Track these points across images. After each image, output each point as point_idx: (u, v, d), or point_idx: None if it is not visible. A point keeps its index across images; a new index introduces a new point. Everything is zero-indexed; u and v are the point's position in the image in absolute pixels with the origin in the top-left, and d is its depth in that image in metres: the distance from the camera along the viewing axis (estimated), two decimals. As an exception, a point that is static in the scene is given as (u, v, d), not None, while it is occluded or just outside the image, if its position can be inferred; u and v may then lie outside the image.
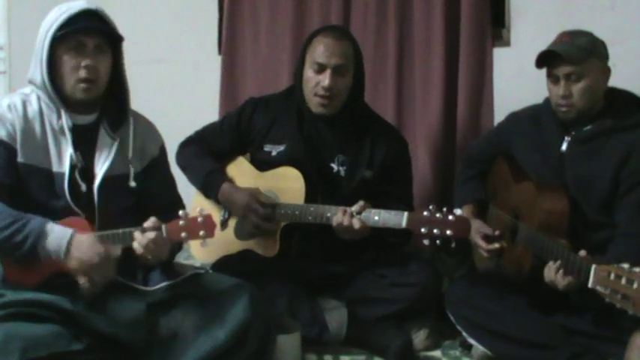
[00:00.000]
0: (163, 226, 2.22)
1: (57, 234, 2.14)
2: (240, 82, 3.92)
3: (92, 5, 2.27)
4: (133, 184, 2.38)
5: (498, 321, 2.55)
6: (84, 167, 2.29)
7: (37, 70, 2.26)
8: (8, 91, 4.27)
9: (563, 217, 2.49)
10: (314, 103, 2.87)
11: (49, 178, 2.25)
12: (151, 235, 2.19)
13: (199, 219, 2.24)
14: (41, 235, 2.12)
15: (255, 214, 2.81)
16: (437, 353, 2.78)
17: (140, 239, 2.19)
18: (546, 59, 2.52)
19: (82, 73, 2.24)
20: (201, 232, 2.24)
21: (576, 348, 2.45)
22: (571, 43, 2.49)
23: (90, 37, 2.25)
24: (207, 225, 2.25)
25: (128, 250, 2.23)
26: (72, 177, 2.26)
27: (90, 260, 2.14)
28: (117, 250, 2.20)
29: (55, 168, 2.26)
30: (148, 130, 2.48)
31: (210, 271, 2.76)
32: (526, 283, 2.57)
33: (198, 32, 4.10)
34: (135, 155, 2.40)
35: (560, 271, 2.31)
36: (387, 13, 3.60)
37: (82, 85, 2.25)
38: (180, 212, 2.25)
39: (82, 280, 2.17)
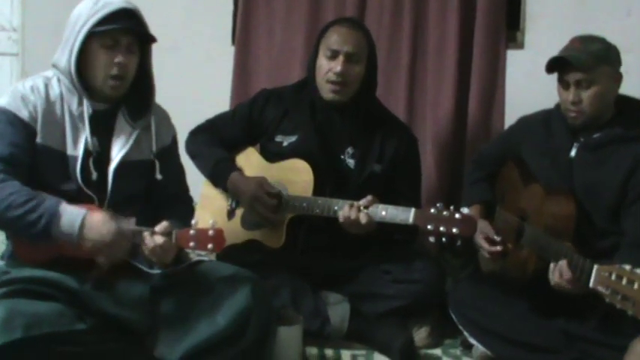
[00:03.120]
0: (173, 232, 2.23)
1: (70, 215, 2.14)
2: (253, 73, 3.94)
3: (130, 4, 2.28)
4: (159, 176, 2.40)
5: (500, 323, 2.56)
6: (99, 152, 2.31)
7: (65, 57, 2.27)
8: (21, 72, 4.30)
9: (569, 221, 2.50)
10: (325, 90, 2.89)
11: (63, 160, 2.27)
12: (160, 240, 2.19)
13: (210, 232, 2.24)
14: (55, 215, 2.12)
15: (262, 204, 2.82)
16: (437, 351, 2.78)
17: (148, 241, 2.20)
18: (557, 65, 2.52)
19: (115, 70, 2.27)
20: (210, 245, 2.24)
21: (576, 353, 2.45)
22: (582, 49, 2.48)
23: (125, 36, 2.27)
24: (217, 239, 2.24)
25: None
26: (85, 161, 2.27)
27: (103, 240, 2.15)
28: (130, 224, 2.20)
29: (70, 151, 2.27)
30: (162, 119, 2.50)
31: (215, 260, 2.78)
32: (529, 286, 2.57)
33: (212, 22, 4.11)
34: (148, 143, 2.42)
35: (564, 272, 2.32)
36: (402, 10, 3.61)
37: (112, 82, 2.28)
38: (192, 221, 2.26)
39: (101, 259, 2.19)
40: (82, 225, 2.14)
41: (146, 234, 2.21)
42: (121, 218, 2.20)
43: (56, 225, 2.13)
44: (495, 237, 2.66)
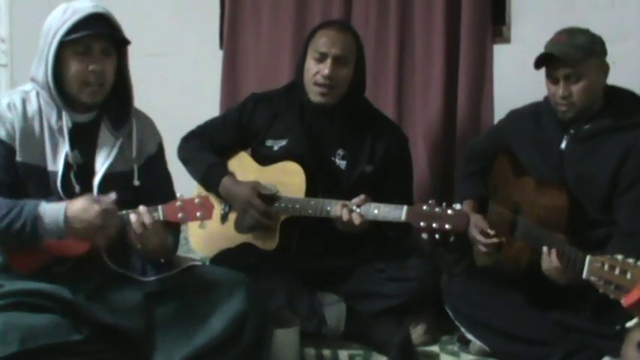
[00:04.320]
0: (160, 207, 2.23)
1: (51, 213, 2.13)
2: (241, 77, 3.93)
3: (99, 8, 2.26)
4: (137, 182, 2.38)
5: (496, 317, 2.57)
6: (82, 165, 2.29)
7: (41, 70, 2.25)
8: (10, 84, 4.28)
9: (562, 213, 2.51)
10: (314, 93, 2.89)
11: (44, 176, 2.26)
12: (147, 218, 2.19)
13: (196, 200, 2.24)
14: (37, 217, 2.11)
15: (256, 208, 2.82)
16: (435, 348, 2.78)
17: (135, 220, 2.19)
18: (545, 60, 2.53)
19: (90, 78, 2.24)
20: (199, 214, 2.24)
21: (572, 344, 2.46)
22: (568, 43, 2.49)
23: (97, 41, 2.25)
24: (205, 206, 2.24)
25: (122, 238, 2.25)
26: (67, 176, 2.26)
27: (91, 224, 2.13)
28: (111, 196, 2.18)
29: (50, 167, 2.26)
30: (147, 127, 2.47)
31: (209, 264, 2.78)
32: (524, 279, 2.58)
33: (200, 27, 4.11)
34: (131, 152, 2.40)
35: (554, 259, 2.33)
36: (388, 8, 3.61)
37: (89, 89, 2.26)
38: (178, 194, 2.26)
39: (98, 241, 2.20)
40: (66, 218, 2.12)
41: (132, 215, 2.20)
42: (101, 197, 2.19)
43: (41, 226, 2.12)
44: (489, 231, 2.67)
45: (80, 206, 2.14)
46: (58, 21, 2.23)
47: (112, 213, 2.17)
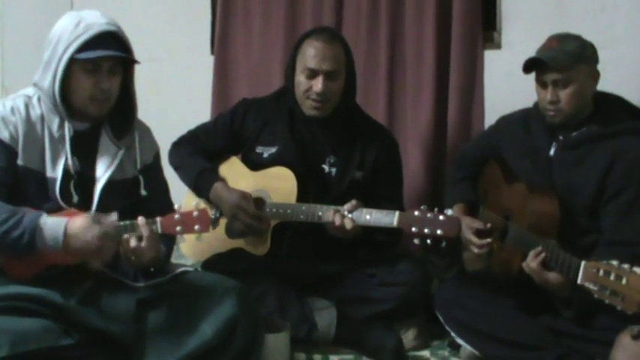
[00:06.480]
0: (158, 220, 2.22)
1: (51, 227, 2.12)
2: (233, 82, 3.94)
3: (112, 26, 2.24)
4: (144, 192, 2.39)
5: (487, 322, 2.57)
6: (81, 173, 2.29)
7: (47, 80, 2.24)
8: (1, 90, 4.27)
9: (553, 219, 2.50)
10: (306, 107, 2.89)
11: (43, 182, 2.25)
12: (145, 230, 2.19)
13: (194, 213, 2.25)
14: (36, 229, 2.11)
15: (245, 212, 2.81)
16: (425, 353, 2.79)
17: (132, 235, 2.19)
18: (534, 65, 2.54)
19: (98, 94, 2.24)
20: (196, 227, 2.24)
21: (563, 349, 2.46)
22: (558, 49, 2.49)
23: (107, 60, 2.24)
24: (203, 219, 2.25)
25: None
26: (66, 183, 2.25)
27: (89, 246, 2.13)
28: (113, 217, 2.19)
29: (49, 173, 2.26)
30: (145, 136, 2.48)
31: (200, 270, 2.77)
32: (514, 284, 2.58)
33: (191, 32, 4.11)
34: (130, 161, 2.40)
35: (534, 260, 2.35)
36: (379, 14, 3.62)
37: (96, 103, 2.26)
38: (176, 206, 2.26)
39: (93, 264, 2.18)
40: (65, 235, 2.12)
41: (130, 229, 2.20)
42: (103, 217, 2.18)
43: (40, 239, 2.11)
44: (487, 225, 2.65)
45: (81, 225, 2.14)
46: (70, 35, 2.21)
47: (112, 236, 2.17)
